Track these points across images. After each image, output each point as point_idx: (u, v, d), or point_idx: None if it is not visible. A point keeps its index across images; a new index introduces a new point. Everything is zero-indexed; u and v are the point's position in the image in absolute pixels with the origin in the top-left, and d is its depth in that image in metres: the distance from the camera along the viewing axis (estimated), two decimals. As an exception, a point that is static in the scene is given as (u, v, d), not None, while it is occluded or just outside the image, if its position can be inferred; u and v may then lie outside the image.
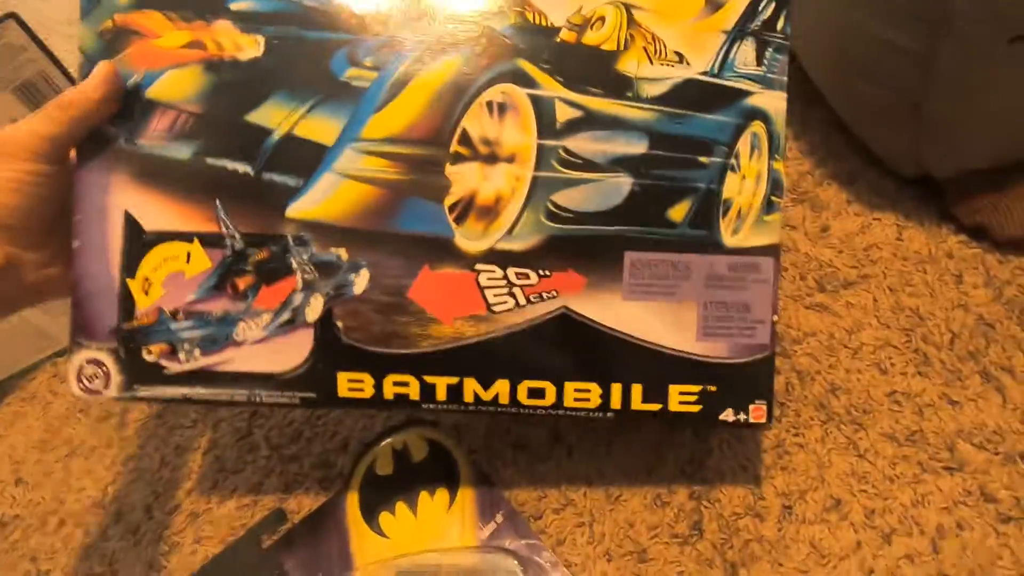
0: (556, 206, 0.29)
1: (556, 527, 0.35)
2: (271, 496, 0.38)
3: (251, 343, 0.29)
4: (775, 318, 0.30)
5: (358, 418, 0.40)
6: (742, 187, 0.30)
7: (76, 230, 0.29)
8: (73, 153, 0.29)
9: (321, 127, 0.29)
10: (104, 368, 0.30)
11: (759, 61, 0.30)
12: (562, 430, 0.38)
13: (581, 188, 0.29)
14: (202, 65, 0.29)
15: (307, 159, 0.29)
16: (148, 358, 0.29)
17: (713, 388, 0.30)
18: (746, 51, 0.30)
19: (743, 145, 0.30)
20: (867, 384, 0.38)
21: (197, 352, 0.29)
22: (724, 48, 0.30)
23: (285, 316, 0.29)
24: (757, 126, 0.30)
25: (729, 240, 0.30)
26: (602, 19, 0.29)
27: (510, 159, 0.29)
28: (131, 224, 0.29)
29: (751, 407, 0.30)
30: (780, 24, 0.30)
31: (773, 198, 0.30)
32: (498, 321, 0.29)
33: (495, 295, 0.29)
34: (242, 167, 0.29)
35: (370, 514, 0.36)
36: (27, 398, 0.45)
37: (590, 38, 0.29)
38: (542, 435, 0.38)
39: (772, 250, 0.30)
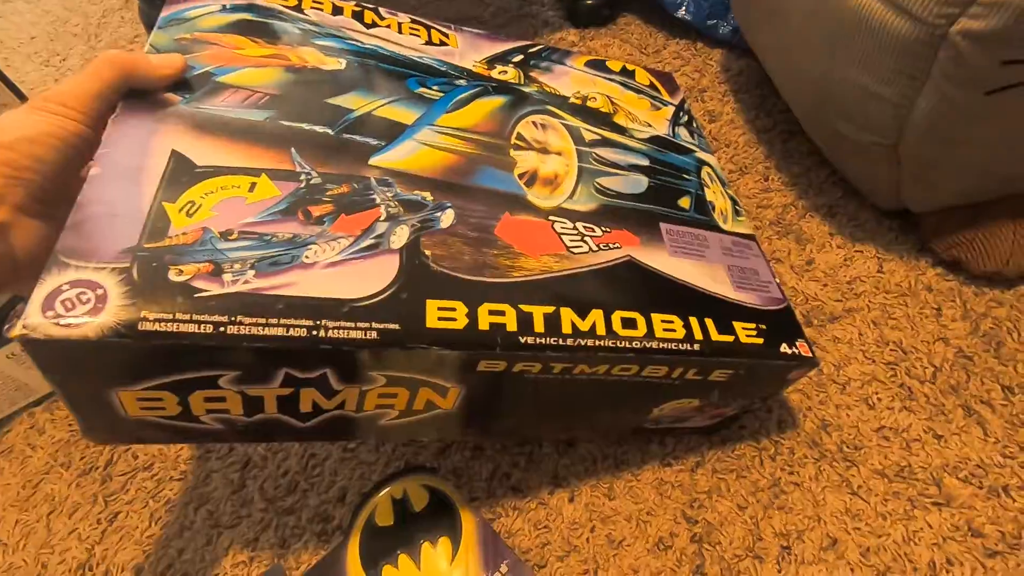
0: (601, 186, 0.36)
1: (561, 574, 0.35)
2: (268, 551, 0.37)
3: (323, 266, 0.24)
4: (777, 280, 0.38)
5: (355, 467, 0.40)
6: (715, 196, 0.41)
7: (97, 160, 0.23)
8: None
9: (400, 113, 0.33)
10: (99, 290, 0.20)
11: (692, 136, 0.45)
12: (562, 474, 0.38)
13: (616, 178, 0.37)
14: (282, 67, 0.31)
15: (388, 129, 0.31)
16: (175, 278, 0.21)
17: (764, 326, 0.34)
18: (683, 131, 0.45)
19: (705, 176, 0.42)
20: (856, 420, 0.39)
21: (251, 273, 0.22)
22: (671, 128, 0.44)
23: (367, 242, 0.25)
24: (707, 169, 0.43)
25: (724, 225, 0.39)
26: (594, 98, 0.42)
27: (559, 153, 0.36)
28: (179, 158, 0.25)
29: (797, 342, 0.34)
30: (694, 125, 0.46)
31: (736, 208, 0.42)
32: (578, 260, 0.31)
33: (570, 239, 0.32)
34: (321, 128, 0.29)
35: (372, 567, 0.35)
36: (3, 452, 0.43)
37: (591, 104, 0.42)
38: (543, 480, 0.38)
39: (752, 236, 0.40)
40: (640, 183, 0.38)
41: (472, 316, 0.26)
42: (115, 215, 0.22)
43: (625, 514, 0.36)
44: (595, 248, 0.32)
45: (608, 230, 0.34)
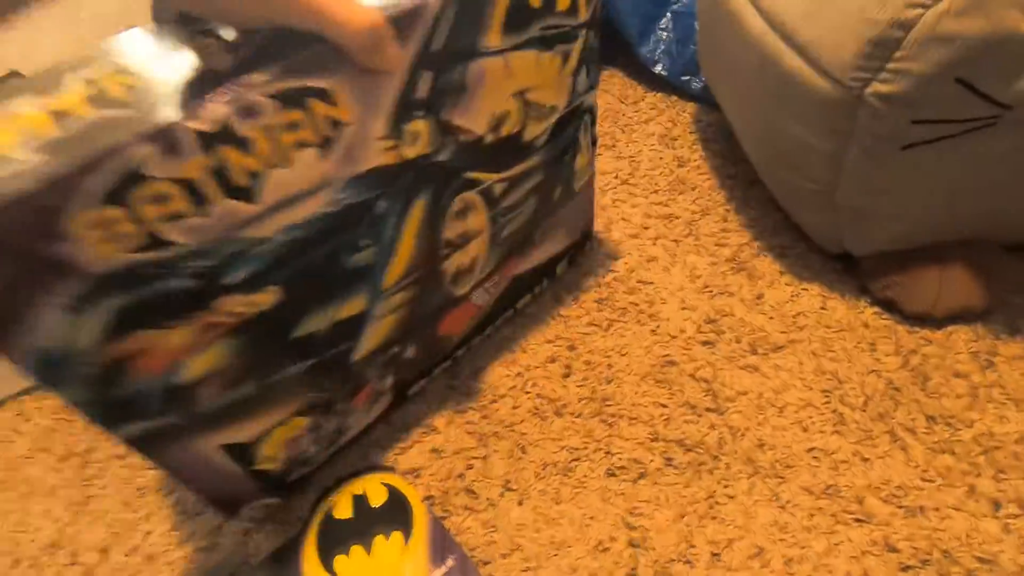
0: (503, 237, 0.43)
1: (503, 571, 0.37)
2: (230, 539, 0.39)
3: None
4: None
5: (320, 463, 0.42)
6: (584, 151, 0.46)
7: None
8: None
9: (350, 306, 0.36)
10: None
11: (588, 76, 0.42)
12: (514, 479, 0.41)
13: (517, 218, 0.43)
14: None
15: (347, 328, 0.36)
16: None
17: None
18: (582, 75, 0.41)
19: (582, 134, 0.44)
20: (790, 441, 0.41)
21: None
22: (572, 82, 0.41)
23: None
24: (586, 117, 0.44)
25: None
26: (507, 112, 0.37)
27: (478, 233, 0.41)
28: None
29: None
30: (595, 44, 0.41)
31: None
32: None
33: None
34: None
35: (325, 556, 0.37)
36: (-12, 436, 0.46)
37: (504, 131, 0.37)
38: (495, 483, 0.40)
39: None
40: (531, 206, 0.42)
41: None
42: None
43: (569, 518, 0.39)
44: None
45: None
